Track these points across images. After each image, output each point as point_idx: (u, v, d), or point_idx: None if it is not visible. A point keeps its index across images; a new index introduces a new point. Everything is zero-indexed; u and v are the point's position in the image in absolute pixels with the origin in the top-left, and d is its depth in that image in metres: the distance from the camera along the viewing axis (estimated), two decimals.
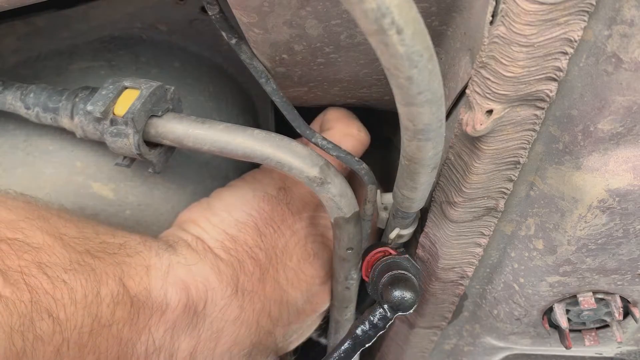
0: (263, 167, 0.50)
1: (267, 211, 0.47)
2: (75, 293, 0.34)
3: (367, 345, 0.41)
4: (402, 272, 0.41)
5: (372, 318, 0.40)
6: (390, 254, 0.43)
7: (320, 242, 0.50)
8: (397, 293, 0.39)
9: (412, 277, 0.41)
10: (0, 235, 0.34)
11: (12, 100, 0.44)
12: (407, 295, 0.39)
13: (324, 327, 0.58)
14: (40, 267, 0.34)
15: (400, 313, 0.40)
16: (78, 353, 0.33)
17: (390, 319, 0.40)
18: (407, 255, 0.43)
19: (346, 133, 0.50)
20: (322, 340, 0.71)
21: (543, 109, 0.32)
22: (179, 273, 0.41)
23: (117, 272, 0.37)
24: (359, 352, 0.46)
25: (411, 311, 0.39)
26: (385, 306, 0.40)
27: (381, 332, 0.41)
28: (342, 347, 0.40)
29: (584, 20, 0.28)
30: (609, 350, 0.54)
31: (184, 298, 0.40)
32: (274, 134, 0.40)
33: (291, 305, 0.49)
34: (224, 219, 0.46)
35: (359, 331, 0.40)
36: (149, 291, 0.39)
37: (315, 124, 0.56)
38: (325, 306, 0.54)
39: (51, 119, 0.43)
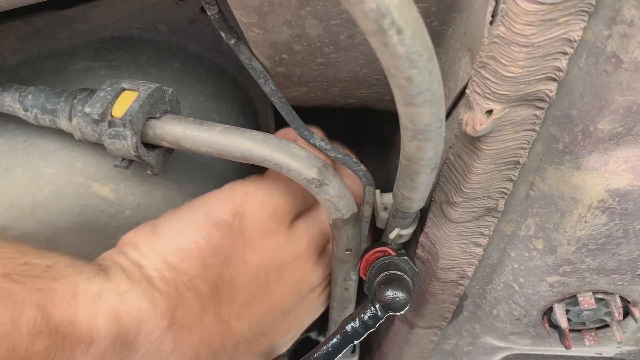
0: (226, 186, 0.46)
1: (217, 239, 0.43)
2: None
3: (356, 342, 0.41)
4: (398, 272, 0.41)
5: (362, 316, 0.40)
6: (390, 254, 0.43)
7: (277, 275, 0.46)
8: (390, 293, 0.39)
9: (407, 278, 0.41)
10: None
11: (10, 102, 0.44)
12: (400, 295, 0.39)
13: (324, 327, 0.58)
14: None
15: (391, 313, 0.40)
16: None
17: (381, 319, 0.40)
18: (406, 257, 0.43)
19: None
20: (322, 340, 0.71)
21: (543, 109, 0.32)
22: (110, 301, 0.38)
23: (39, 298, 0.34)
24: (358, 352, 0.46)
25: (402, 312, 0.39)
26: (377, 305, 0.40)
27: (371, 330, 0.41)
28: (331, 342, 0.41)
29: (584, 20, 0.28)
30: (609, 350, 0.54)
31: (115, 328, 0.37)
32: (272, 136, 0.40)
33: (237, 338, 0.45)
34: (167, 245, 0.42)
35: (348, 328, 0.41)
36: (76, 320, 0.35)
37: None
38: (290, 335, 0.51)
39: (49, 120, 0.43)
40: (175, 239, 0.43)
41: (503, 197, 0.39)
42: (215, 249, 0.43)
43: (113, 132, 0.40)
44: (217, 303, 0.43)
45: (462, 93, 0.36)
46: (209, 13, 0.40)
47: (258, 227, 0.45)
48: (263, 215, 0.45)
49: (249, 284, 0.45)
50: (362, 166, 0.45)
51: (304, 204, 0.48)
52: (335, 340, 0.41)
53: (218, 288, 0.43)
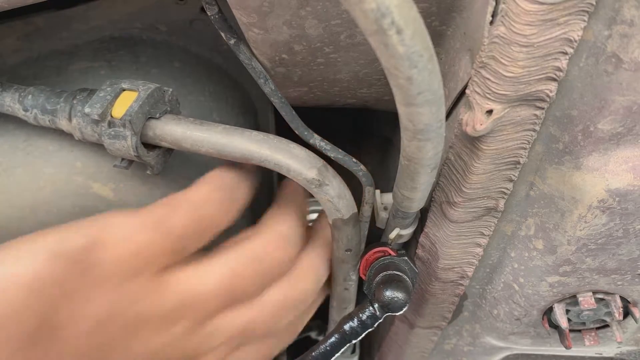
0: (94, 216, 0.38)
1: (56, 272, 0.33)
2: None
3: (355, 342, 0.41)
4: (397, 272, 0.41)
5: (361, 315, 0.40)
6: (390, 254, 0.43)
7: (132, 330, 0.36)
8: (388, 293, 0.39)
9: (407, 278, 0.41)
10: None
11: (10, 102, 0.44)
12: (398, 296, 0.39)
13: (324, 326, 0.58)
14: None
15: (389, 313, 0.40)
16: None
17: (380, 318, 0.40)
18: (406, 257, 0.43)
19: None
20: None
21: (543, 109, 0.32)
22: None
23: None
24: (358, 352, 0.46)
25: (401, 312, 0.39)
26: (376, 305, 0.40)
27: (369, 330, 0.41)
28: (329, 341, 0.41)
29: (584, 20, 0.28)
30: (609, 350, 0.54)
31: None
32: (272, 136, 0.40)
33: None
34: None
35: (346, 327, 0.41)
36: None
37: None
38: None
39: (49, 121, 0.43)
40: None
41: (503, 197, 0.39)
42: (50, 283, 0.33)
43: (113, 133, 0.40)
44: (49, 341, 0.33)
45: (462, 93, 0.36)
46: (209, 13, 0.40)
47: (120, 261, 0.36)
48: (132, 246, 0.37)
49: (84, 327, 0.34)
50: (362, 166, 0.44)
51: (196, 245, 0.40)
52: (333, 339, 0.41)
53: (52, 322, 0.33)
